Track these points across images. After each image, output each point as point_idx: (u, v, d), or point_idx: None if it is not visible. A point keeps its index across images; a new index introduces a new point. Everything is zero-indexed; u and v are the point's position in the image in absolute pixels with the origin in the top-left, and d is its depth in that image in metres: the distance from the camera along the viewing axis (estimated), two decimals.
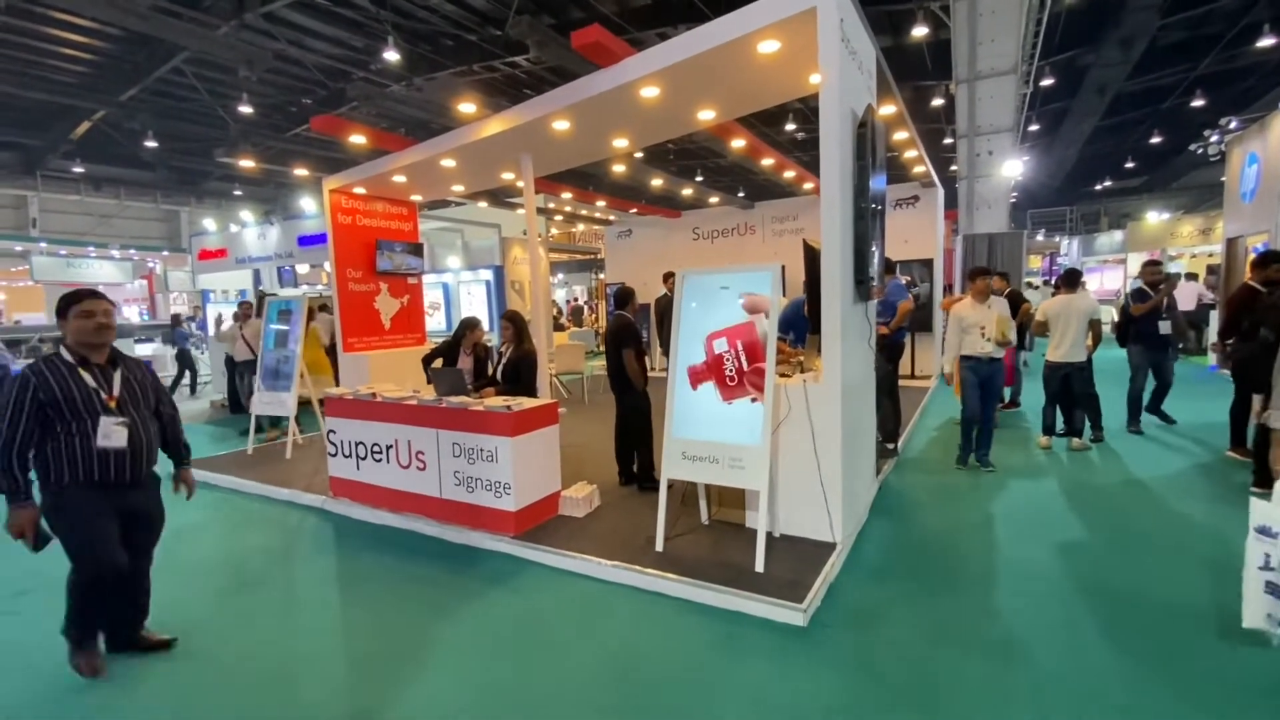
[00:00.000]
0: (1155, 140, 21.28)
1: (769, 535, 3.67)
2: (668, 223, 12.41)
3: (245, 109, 15.28)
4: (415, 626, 3.15)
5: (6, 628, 3.29)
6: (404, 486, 4.52)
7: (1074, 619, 2.99)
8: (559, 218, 13.16)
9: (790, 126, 17.10)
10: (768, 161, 7.74)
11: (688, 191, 10.60)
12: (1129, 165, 25.54)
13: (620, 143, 5.93)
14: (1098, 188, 29.95)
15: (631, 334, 4.68)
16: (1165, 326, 6.24)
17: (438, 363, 5.52)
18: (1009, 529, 4.10)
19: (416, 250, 8.63)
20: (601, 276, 24.18)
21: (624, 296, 4.99)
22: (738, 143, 6.90)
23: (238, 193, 26.84)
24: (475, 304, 16.13)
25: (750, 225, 11.52)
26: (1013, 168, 11.97)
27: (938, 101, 15.66)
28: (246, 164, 13.14)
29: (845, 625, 3.00)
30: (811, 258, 3.84)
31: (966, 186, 12.10)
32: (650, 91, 4.62)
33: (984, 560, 3.66)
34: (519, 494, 4.01)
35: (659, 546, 3.67)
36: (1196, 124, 19.16)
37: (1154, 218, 22.82)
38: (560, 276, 26.52)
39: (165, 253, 20.18)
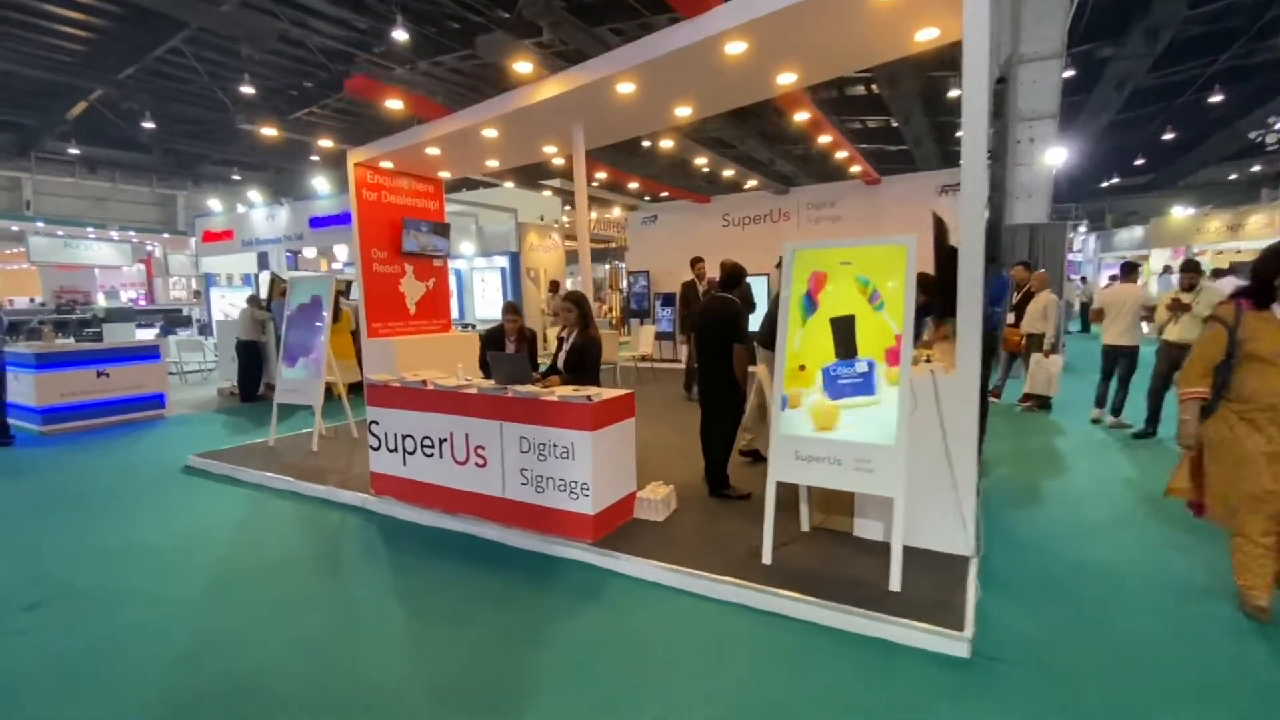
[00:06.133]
0: (1168, 136, 20.81)
1: (887, 547, 3.23)
2: (696, 208, 11.93)
3: (247, 89, 14.66)
4: (502, 651, 2.70)
5: (13, 654, 2.81)
6: (460, 485, 4.06)
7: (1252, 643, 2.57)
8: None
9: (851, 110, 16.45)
10: (825, 139, 7.26)
11: (729, 173, 10.10)
12: (1139, 162, 25.07)
13: (683, 110, 5.43)
14: (1104, 185, 29.51)
15: (743, 325, 4.10)
16: None
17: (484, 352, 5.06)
18: (1131, 532, 3.68)
19: (443, 230, 8.12)
20: (615, 265, 23.70)
21: (735, 276, 4.27)
22: (801, 115, 6.43)
23: (236, 177, 26.14)
24: (489, 292, 15.65)
25: (785, 211, 11.04)
26: (1055, 155, 11.52)
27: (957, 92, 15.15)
28: (269, 132, 12.56)
29: (1015, 660, 2.55)
30: (941, 232, 3.38)
31: (1006, 175, 11.64)
32: (736, 48, 4.14)
33: (1132, 576, 3.23)
34: (598, 495, 3.55)
35: (766, 558, 3.22)
36: (1210, 120, 18.78)
37: (1180, 212, 22.38)
38: (573, 266, 25.99)
39: (165, 235, 19.53)
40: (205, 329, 14.73)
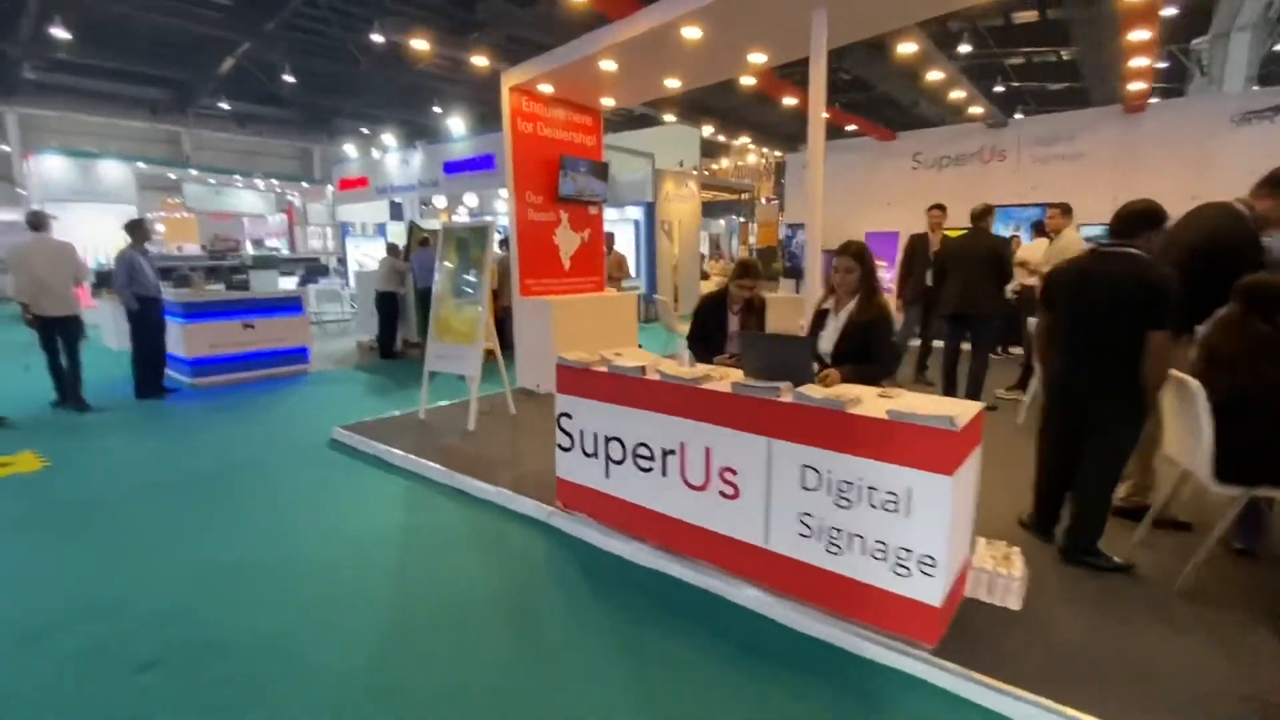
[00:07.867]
0: None
1: None
2: (877, 147, 9.98)
3: (377, 37, 14.13)
4: None
5: None
6: (692, 517, 2.87)
7: None
8: (743, 139, 11.01)
9: None
10: (1140, 35, 5.23)
11: (958, 94, 8.08)
12: None
13: None
14: None
15: (1175, 301, 2.48)
16: None
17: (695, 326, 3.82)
18: None
19: (600, 172, 6.92)
20: (743, 219, 21.87)
21: (1150, 217, 2.61)
22: None
23: (365, 131, 26.55)
24: (621, 247, 14.50)
25: (1000, 149, 8.88)
26: None
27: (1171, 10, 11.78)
28: (419, 45, 11.90)
29: None
30: None
31: None
32: None
33: None
34: (944, 574, 2.22)
35: None
36: None
37: None
38: (707, 219, 24.47)
39: (304, 184, 20.05)
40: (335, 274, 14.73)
